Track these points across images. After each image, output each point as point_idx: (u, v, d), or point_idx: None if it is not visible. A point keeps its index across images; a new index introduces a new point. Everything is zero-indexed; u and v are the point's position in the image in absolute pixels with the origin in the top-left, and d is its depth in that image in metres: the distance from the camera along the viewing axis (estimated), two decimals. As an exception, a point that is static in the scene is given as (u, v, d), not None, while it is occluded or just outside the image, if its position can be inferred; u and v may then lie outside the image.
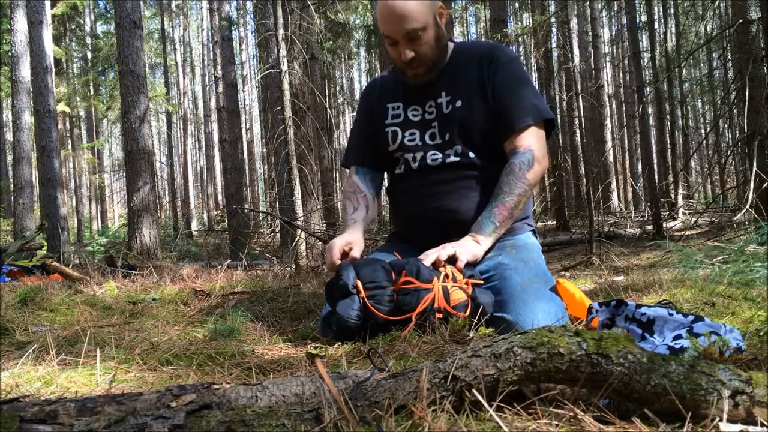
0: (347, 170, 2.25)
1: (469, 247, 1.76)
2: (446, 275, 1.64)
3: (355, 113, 2.44)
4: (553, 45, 11.54)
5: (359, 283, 1.63)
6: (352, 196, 2.07)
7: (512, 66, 1.92)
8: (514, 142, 1.87)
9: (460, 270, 1.68)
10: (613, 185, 16.49)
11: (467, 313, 1.59)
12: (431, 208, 1.91)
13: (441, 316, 1.56)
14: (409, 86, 1.97)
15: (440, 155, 1.92)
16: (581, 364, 0.85)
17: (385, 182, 2.25)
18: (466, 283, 1.65)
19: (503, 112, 1.88)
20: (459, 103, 1.91)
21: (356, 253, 1.84)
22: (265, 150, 18.68)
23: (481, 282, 1.70)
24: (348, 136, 2.33)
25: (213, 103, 22.13)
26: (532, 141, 1.87)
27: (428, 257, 1.69)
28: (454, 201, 1.89)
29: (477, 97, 1.90)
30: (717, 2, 8.37)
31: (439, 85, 1.94)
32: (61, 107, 14.56)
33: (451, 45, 1.98)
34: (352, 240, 1.87)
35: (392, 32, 1.82)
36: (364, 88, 2.27)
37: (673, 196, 8.98)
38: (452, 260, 1.71)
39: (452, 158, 1.91)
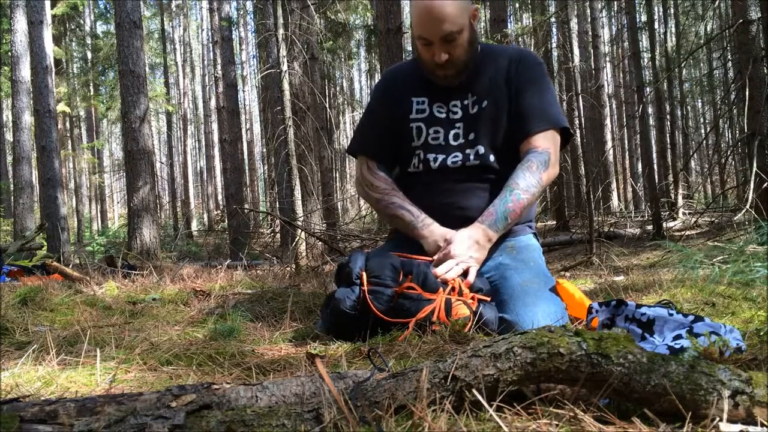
0: (353, 157, 2.12)
1: (479, 257, 1.74)
2: (452, 288, 1.61)
3: (362, 109, 2.38)
4: (553, 45, 11.53)
5: (364, 275, 1.61)
6: (396, 194, 1.95)
7: (538, 70, 1.92)
8: (531, 142, 1.86)
9: (468, 285, 1.65)
10: (613, 185, 16.47)
11: (468, 329, 1.55)
12: (445, 203, 1.89)
13: (438, 328, 1.54)
14: (436, 84, 1.95)
15: (461, 157, 1.90)
16: (581, 364, 0.85)
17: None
18: (472, 298, 1.62)
19: (524, 114, 1.87)
20: (485, 104, 1.90)
21: None
22: (265, 150, 18.68)
23: (488, 298, 1.67)
24: (359, 121, 2.21)
25: (213, 103, 22.11)
26: (549, 144, 1.86)
27: (441, 269, 1.67)
28: (467, 199, 1.88)
29: (503, 98, 1.90)
30: (717, 2, 8.36)
31: (466, 87, 1.93)
32: (61, 107, 14.56)
33: (478, 47, 1.97)
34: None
35: (429, 34, 1.80)
36: (382, 77, 2.18)
37: (673, 196, 8.97)
38: (464, 273, 1.68)
39: (472, 161, 1.90)
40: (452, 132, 1.93)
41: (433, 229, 1.83)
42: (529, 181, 1.80)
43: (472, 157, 1.90)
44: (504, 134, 1.90)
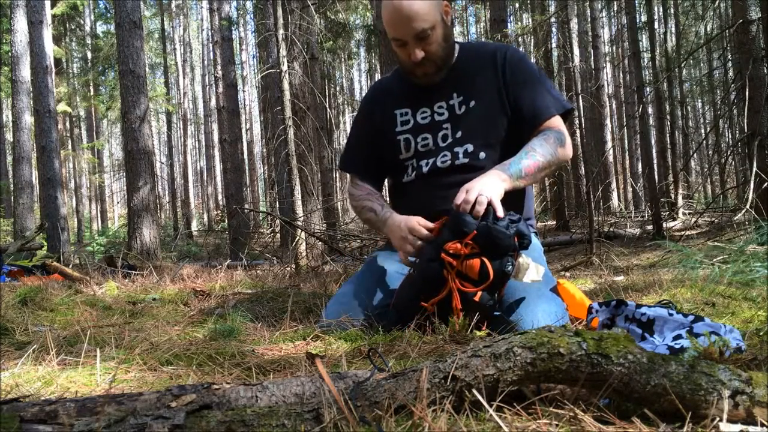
0: (346, 173, 2.20)
1: (495, 187, 1.62)
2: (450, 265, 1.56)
3: (355, 113, 2.36)
4: (553, 45, 11.54)
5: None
6: (370, 197, 2.00)
7: (524, 63, 1.93)
8: (543, 126, 1.85)
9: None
10: (613, 185, 16.49)
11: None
12: (439, 209, 1.86)
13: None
14: (417, 88, 1.94)
15: (449, 156, 1.88)
16: (581, 364, 0.85)
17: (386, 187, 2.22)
18: (467, 245, 1.55)
19: (527, 107, 1.86)
20: (473, 104, 1.89)
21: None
22: (265, 150, 18.69)
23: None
24: (348, 136, 2.26)
25: (213, 103, 22.12)
26: (562, 127, 1.87)
27: (463, 200, 1.59)
28: None
29: (492, 97, 1.89)
30: (717, 2, 8.36)
31: (449, 86, 1.92)
32: (62, 107, 14.55)
33: (456, 45, 1.97)
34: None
35: (402, 34, 1.80)
36: (367, 92, 2.19)
37: (673, 196, 8.98)
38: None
39: (461, 159, 1.87)
40: (440, 134, 1.92)
41: (393, 219, 1.82)
42: (545, 148, 1.78)
43: (461, 155, 1.87)
44: (498, 132, 1.88)
